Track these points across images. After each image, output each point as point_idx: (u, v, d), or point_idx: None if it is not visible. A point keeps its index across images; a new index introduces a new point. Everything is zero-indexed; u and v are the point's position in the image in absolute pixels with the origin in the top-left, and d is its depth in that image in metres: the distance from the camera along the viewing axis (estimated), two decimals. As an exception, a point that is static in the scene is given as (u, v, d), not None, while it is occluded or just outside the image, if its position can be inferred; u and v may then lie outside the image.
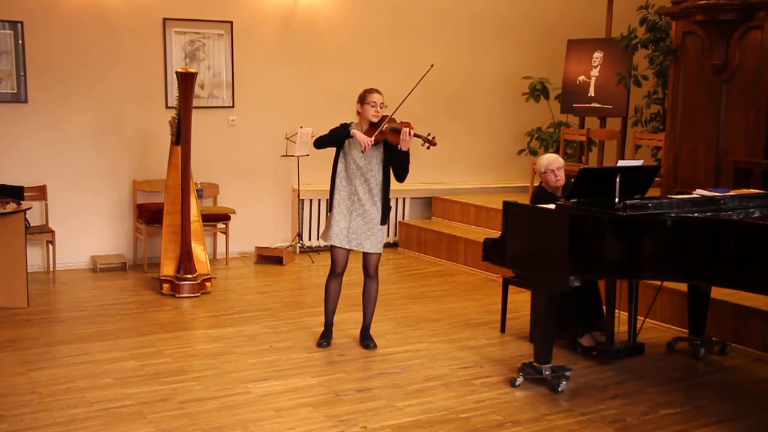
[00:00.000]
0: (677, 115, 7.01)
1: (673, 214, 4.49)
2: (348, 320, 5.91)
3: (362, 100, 5.23)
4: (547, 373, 4.79)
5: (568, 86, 8.53)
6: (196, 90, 7.24)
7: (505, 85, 9.39)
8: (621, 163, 5.29)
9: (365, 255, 5.36)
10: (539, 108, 9.02)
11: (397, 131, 5.08)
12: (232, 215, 7.91)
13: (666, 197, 5.38)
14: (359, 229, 5.28)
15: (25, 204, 6.48)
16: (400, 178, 5.26)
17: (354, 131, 5.16)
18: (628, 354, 5.30)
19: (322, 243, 8.40)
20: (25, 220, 6.55)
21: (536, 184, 5.72)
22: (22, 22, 7.24)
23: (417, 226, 8.69)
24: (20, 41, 7.24)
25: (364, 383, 4.85)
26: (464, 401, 4.59)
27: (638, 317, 5.41)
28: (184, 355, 5.30)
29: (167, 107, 7.78)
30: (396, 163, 5.20)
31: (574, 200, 4.74)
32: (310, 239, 8.57)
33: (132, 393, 4.61)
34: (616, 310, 5.32)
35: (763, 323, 5.36)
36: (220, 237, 8.03)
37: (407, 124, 5.08)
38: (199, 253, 6.99)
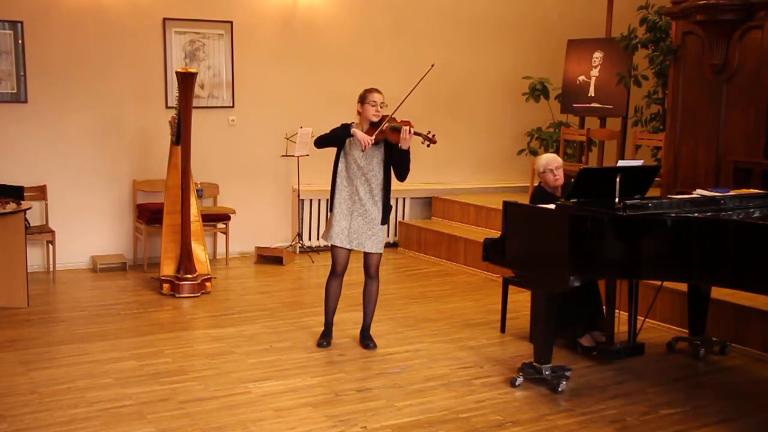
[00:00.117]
0: (677, 115, 7.01)
1: (673, 214, 4.49)
2: (348, 320, 5.91)
3: (362, 99, 5.24)
4: (547, 373, 4.79)
5: (568, 86, 8.53)
6: (196, 90, 7.24)
7: (505, 85, 9.39)
8: (621, 163, 5.29)
9: (366, 255, 5.36)
10: (539, 108, 9.03)
11: (397, 130, 5.09)
12: (232, 215, 7.91)
13: (666, 197, 5.38)
14: (360, 229, 5.28)
15: (25, 204, 6.48)
16: (401, 177, 5.26)
17: (354, 130, 5.17)
18: (628, 354, 5.30)
19: (322, 243, 8.41)
20: (25, 220, 6.55)
21: (536, 184, 5.72)
22: (22, 22, 7.24)
23: (417, 226, 8.69)
24: (20, 41, 7.25)
25: (364, 383, 4.85)
26: (464, 401, 4.59)
27: (638, 317, 5.41)
28: (184, 355, 5.30)
29: (167, 107, 7.79)
30: (397, 162, 5.20)
31: (574, 200, 4.74)
32: (310, 239, 8.57)
33: (132, 393, 4.61)
34: (616, 310, 5.31)
35: (763, 323, 5.36)
36: (220, 237, 8.03)
37: (407, 123, 5.10)
38: (199, 253, 6.99)
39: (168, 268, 6.87)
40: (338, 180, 5.30)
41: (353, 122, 5.28)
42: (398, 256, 8.58)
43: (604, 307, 5.40)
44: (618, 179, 4.59)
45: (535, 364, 4.84)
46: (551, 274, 4.64)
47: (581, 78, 8.38)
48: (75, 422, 4.21)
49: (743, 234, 4.19)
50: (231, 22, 8.04)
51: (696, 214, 4.52)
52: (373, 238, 5.30)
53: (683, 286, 5.54)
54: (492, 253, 5.12)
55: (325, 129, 5.36)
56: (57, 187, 7.49)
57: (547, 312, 4.75)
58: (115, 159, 7.73)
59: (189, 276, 6.75)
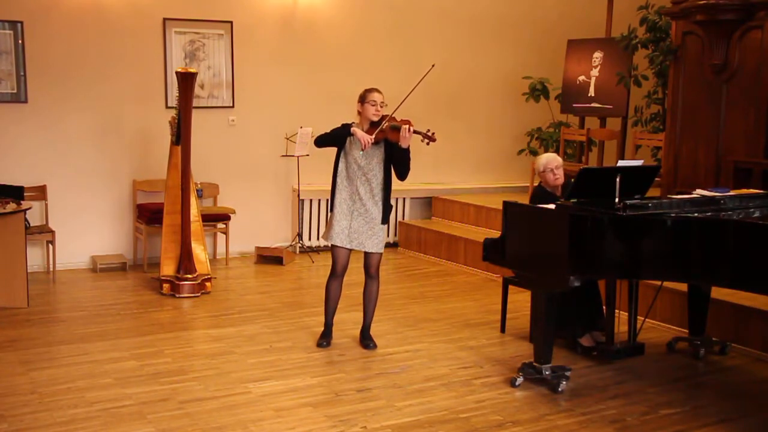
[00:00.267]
0: (677, 115, 7.01)
1: (673, 214, 4.49)
2: (348, 320, 5.91)
3: (362, 99, 5.25)
4: (547, 373, 4.78)
5: (568, 86, 8.53)
6: (196, 90, 7.24)
7: (505, 85, 9.39)
8: (621, 163, 5.29)
9: (366, 255, 5.36)
10: (539, 108, 9.03)
11: (396, 129, 5.11)
12: (232, 215, 7.91)
13: (666, 197, 5.38)
14: (360, 229, 5.28)
15: (25, 204, 6.48)
16: (402, 177, 5.27)
17: (354, 129, 5.18)
18: (628, 354, 5.30)
19: (322, 243, 8.41)
20: (25, 220, 6.55)
21: (536, 183, 5.72)
22: (22, 22, 7.24)
23: (417, 226, 8.69)
24: (20, 41, 7.25)
25: (364, 383, 4.85)
26: (464, 401, 4.59)
27: (638, 317, 5.41)
28: (184, 355, 5.30)
29: (167, 107, 7.79)
30: (397, 160, 5.21)
31: (574, 200, 4.74)
32: (310, 239, 8.57)
33: (132, 393, 4.61)
34: (616, 310, 5.31)
35: (763, 323, 5.36)
36: (220, 237, 8.03)
37: (407, 122, 5.11)
38: (199, 253, 6.99)
39: (168, 268, 6.87)
40: (338, 180, 5.30)
41: (353, 122, 5.29)
42: (398, 256, 8.58)
43: (604, 307, 5.40)
44: (618, 179, 4.59)
45: (535, 364, 4.84)
46: (551, 274, 4.64)
47: (581, 78, 8.38)
48: (75, 422, 4.21)
49: (743, 234, 4.19)
50: (231, 22, 8.04)
51: (696, 214, 4.52)
52: (374, 238, 5.30)
53: (683, 286, 5.54)
54: (492, 253, 5.12)
55: (325, 129, 5.36)
56: (57, 187, 7.49)
57: (547, 312, 4.75)
58: (115, 159, 7.73)
59: (189, 276, 6.75)
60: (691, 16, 6.71)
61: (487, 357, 5.36)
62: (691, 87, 6.90)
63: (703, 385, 4.94)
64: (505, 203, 4.95)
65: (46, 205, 7.44)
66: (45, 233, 7.19)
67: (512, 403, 4.59)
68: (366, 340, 5.51)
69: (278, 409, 4.43)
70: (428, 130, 5.09)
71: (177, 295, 6.67)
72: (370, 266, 5.39)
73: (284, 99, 8.36)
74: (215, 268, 7.58)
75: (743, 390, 4.89)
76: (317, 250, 8.50)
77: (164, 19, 7.76)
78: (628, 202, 4.53)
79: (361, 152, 5.19)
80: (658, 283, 5.59)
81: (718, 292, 5.42)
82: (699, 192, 5.12)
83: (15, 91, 7.28)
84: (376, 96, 5.21)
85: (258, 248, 8.18)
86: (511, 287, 5.87)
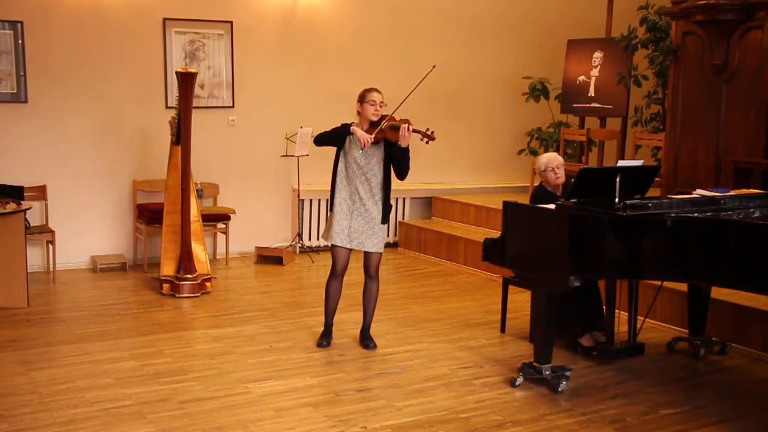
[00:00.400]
0: (677, 115, 7.01)
1: (673, 214, 4.49)
2: (348, 320, 5.91)
3: (362, 99, 5.25)
4: (547, 373, 4.78)
5: (568, 86, 8.53)
6: (196, 90, 7.24)
7: (505, 85, 9.39)
8: (621, 163, 5.29)
9: (366, 254, 5.36)
10: (539, 108, 9.03)
11: (396, 128, 5.11)
12: (232, 215, 7.91)
13: (666, 197, 5.38)
14: (360, 229, 5.28)
15: (25, 204, 6.48)
16: (402, 176, 5.27)
17: (354, 128, 5.18)
18: (628, 354, 5.30)
19: (322, 243, 8.41)
20: (25, 220, 6.55)
21: (536, 183, 5.72)
22: (22, 22, 7.24)
23: (417, 226, 8.69)
24: (20, 41, 7.25)
25: (364, 383, 4.85)
26: (464, 401, 4.59)
27: (638, 317, 5.41)
28: (184, 355, 5.30)
29: (167, 107, 7.79)
30: (397, 160, 5.21)
31: (574, 200, 4.74)
32: (310, 239, 8.57)
33: (132, 393, 4.61)
34: (616, 310, 5.31)
35: (763, 323, 5.36)
36: (220, 237, 8.03)
37: (406, 121, 5.12)
38: (199, 253, 6.99)
39: (168, 268, 6.87)
40: (338, 180, 5.30)
41: (353, 122, 5.29)
42: (398, 256, 8.58)
43: (604, 307, 5.40)
44: (618, 179, 4.59)
45: (535, 364, 4.84)
46: (551, 274, 4.64)
47: (581, 78, 8.38)
48: (75, 422, 4.21)
49: (743, 234, 4.19)
50: (231, 22, 8.04)
51: (696, 214, 4.52)
52: (374, 238, 5.30)
53: (683, 286, 5.54)
54: (492, 253, 5.12)
55: (325, 129, 5.36)
56: (57, 187, 7.49)
57: (547, 312, 4.75)
58: (115, 159, 7.73)
59: (189, 276, 6.75)
60: (691, 16, 6.71)
61: (487, 357, 5.36)
62: (691, 87, 6.90)
63: (703, 385, 4.94)
64: (505, 203, 4.95)
65: (46, 205, 7.44)
66: (45, 233, 7.19)
67: (512, 403, 4.59)
68: (366, 340, 5.51)
69: (278, 409, 4.43)
70: (427, 129, 5.10)
71: (177, 295, 6.67)
72: (370, 266, 5.39)
73: (284, 99, 8.36)
74: (215, 268, 7.58)
75: (743, 390, 4.89)
76: (317, 250, 8.50)
77: (164, 19, 7.76)
78: (628, 202, 4.53)
79: (361, 152, 5.19)
80: (658, 283, 5.59)
81: (718, 292, 5.42)
82: (699, 192, 5.12)
83: (15, 91, 7.28)
84: (375, 96, 5.22)
85: (258, 248, 8.18)
86: (511, 287, 5.87)
